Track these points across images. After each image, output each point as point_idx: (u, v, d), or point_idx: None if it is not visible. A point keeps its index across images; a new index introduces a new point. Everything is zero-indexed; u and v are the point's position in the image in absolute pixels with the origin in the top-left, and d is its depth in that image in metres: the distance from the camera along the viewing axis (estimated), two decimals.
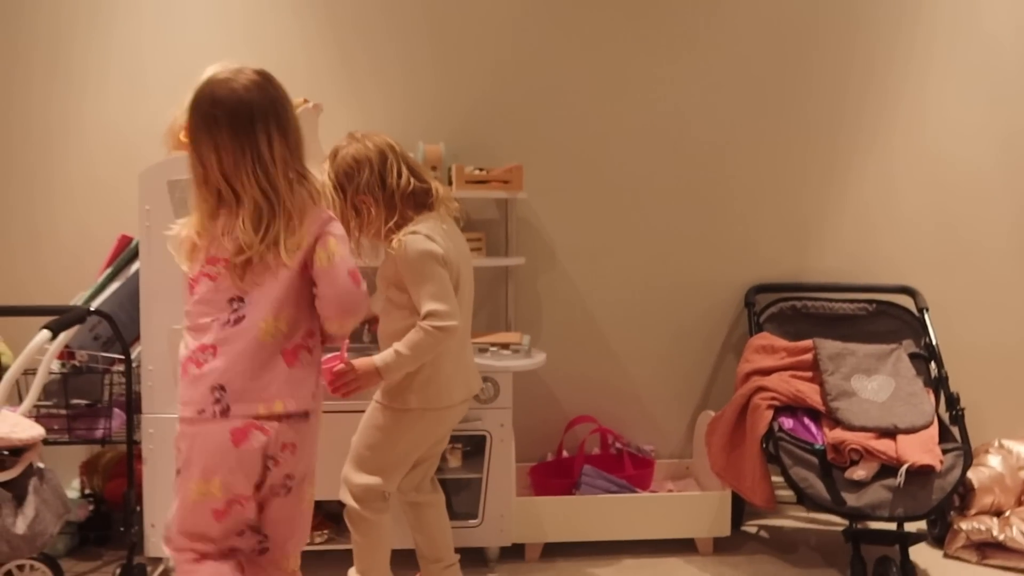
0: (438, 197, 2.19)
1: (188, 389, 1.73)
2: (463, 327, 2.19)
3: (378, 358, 2.07)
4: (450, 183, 2.69)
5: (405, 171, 2.15)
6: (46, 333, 2.00)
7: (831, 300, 2.94)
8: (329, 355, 2.11)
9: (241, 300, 1.72)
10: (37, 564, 2.25)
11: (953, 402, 2.66)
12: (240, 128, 1.68)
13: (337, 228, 1.80)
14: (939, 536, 2.73)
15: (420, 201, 2.16)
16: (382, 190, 2.11)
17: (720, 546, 2.70)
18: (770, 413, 2.53)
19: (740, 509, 2.82)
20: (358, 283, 1.78)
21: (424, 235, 2.09)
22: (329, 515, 2.65)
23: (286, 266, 1.72)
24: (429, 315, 2.05)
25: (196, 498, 1.72)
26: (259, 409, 1.71)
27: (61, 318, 2.03)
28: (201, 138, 1.70)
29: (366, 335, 2.74)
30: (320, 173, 2.12)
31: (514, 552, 2.63)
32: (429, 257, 2.07)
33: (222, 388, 1.70)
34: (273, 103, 1.72)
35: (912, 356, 2.74)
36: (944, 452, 2.39)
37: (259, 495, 1.77)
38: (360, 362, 2.07)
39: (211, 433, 1.70)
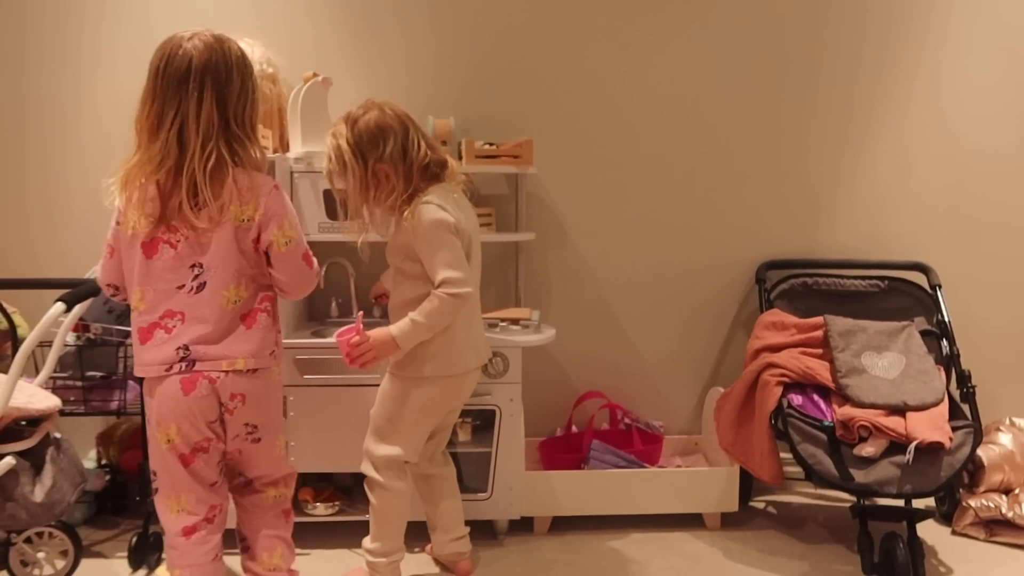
0: (451, 169, 2.22)
1: (152, 352, 1.83)
2: (475, 296, 2.21)
3: (393, 327, 2.10)
4: (460, 158, 2.69)
5: (423, 143, 2.17)
6: (60, 305, 2.03)
7: (843, 277, 2.92)
8: (344, 327, 2.13)
9: (200, 266, 1.83)
10: (56, 532, 2.30)
11: (964, 380, 2.65)
12: (173, 82, 1.76)
13: (287, 205, 1.89)
14: (947, 513, 2.73)
15: (433, 173, 2.18)
16: (403, 161, 2.13)
17: (728, 521, 2.72)
18: (779, 389, 2.53)
19: (748, 485, 2.83)
20: (311, 264, 1.95)
21: (436, 204, 2.12)
22: (340, 487, 2.69)
23: (238, 236, 1.83)
24: (444, 283, 2.09)
25: (164, 447, 1.87)
26: (222, 365, 1.84)
27: (75, 291, 2.05)
28: (147, 86, 1.80)
29: (376, 309, 2.76)
30: (331, 139, 2.14)
31: (523, 525, 2.65)
32: (442, 226, 2.10)
33: (186, 348, 1.82)
34: (215, 66, 1.78)
35: (924, 333, 2.72)
36: (954, 429, 2.39)
37: (229, 448, 1.92)
38: (375, 332, 2.11)
39: (166, 386, 1.83)
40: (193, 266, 1.82)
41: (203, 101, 1.77)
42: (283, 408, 2.13)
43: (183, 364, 1.82)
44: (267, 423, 1.96)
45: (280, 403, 2.03)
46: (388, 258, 2.24)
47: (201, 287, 1.82)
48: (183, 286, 1.82)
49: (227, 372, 1.84)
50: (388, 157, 2.11)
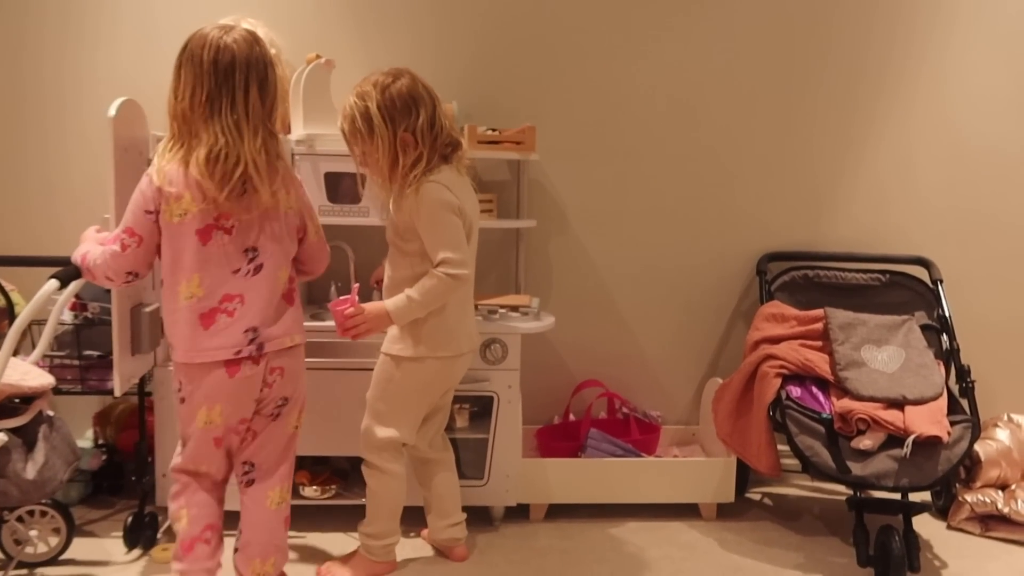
0: (462, 152, 2.21)
1: (217, 337, 1.91)
2: (470, 280, 2.21)
3: (389, 302, 2.11)
4: None
5: (447, 121, 2.17)
6: (54, 283, 2.01)
7: (844, 270, 2.91)
8: (340, 298, 2.13)
9: (256, 250, 1.95)
10: (48, 510, 2.29)
11: (963, 374, 2.64)
12: (221, 73, 1.85)
13: (307, 195, 2.09)
14: (943, 507, 2.73)
15: (446, 153, 2.17)
16: (430, 134, 2.11)
17: (724, 512, 2.72)
18: (778, 381, 2.52)
19: (745, 476, 2.83)
20: (327, 244, 2.15)
21: (443, 184, 2.11)
22: (337, 471, 2.68)
23: (285, 221, 1.99)
24: (443, 262, 2.09)
25: (202, 427, 1.97)
26: (285, 343, 1.98)
27: (69, 267, 2.03)
28: (188, 77, 1.86)
29: (376, 294, 2.75)
30: (357, 100, 2.12)
31: (519, 512, 2.65)
32: (446, 206, 2.10)
33: (255, 330, 1.93)
34: (257, 60, 1.89)
35: (924, 328, 2.72)
36: (952, 424, 2.38)
37: (252, 421, 2.01)
38: (371, 305, 2.12)
39: (209, 374, 1.92)
40: (247, 250, 1.93)
41: (249, 92, 1.87)
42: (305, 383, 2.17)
43: (253, 347, 1.93)
44: (295, 398, 2.06)
45: (305, 381, 2.12)
46: (388, 234, 2.23)
47: (258, 269, 1.94)
48: (239, 270, 1.92)
49: (276, 350, 1.96)
50: (419, 128, 2.09)
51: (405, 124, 2.09)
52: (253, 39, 1.90)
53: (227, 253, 1.91)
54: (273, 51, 2.63)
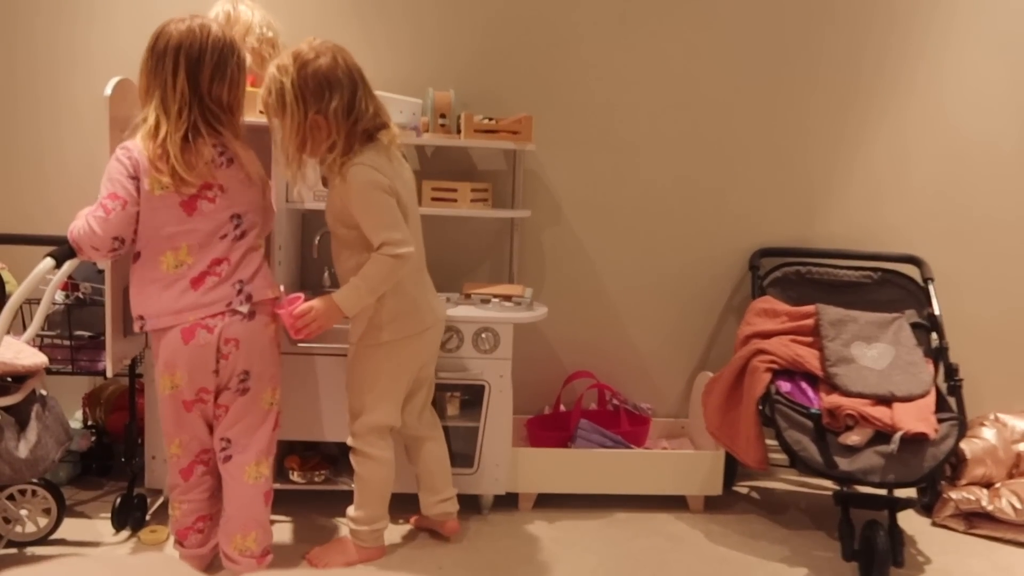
0: (390, 134, 2.13)
1: (204, 296, 1.99)
2: (418, 254, 2.19)
3: (336, 294, 2.09)
4: (458, 131, 2.67)
5: (371, 105, 2.09)
6: (49, 261, 2.01)
7: (836, 267, 2.93)
8: (287, 298, 2.11)
9: (240, 216, 2.04)
10: (39, 490, 2.29)
11: (952, 373, 2.66)
12: (191, 56, 1.96)
13: None
14: (928, 504, 2.75)
15: (368, 134, 2.10)
16: (346, 119, 2.04)
17: (711, 505, 2.74)
18: (768, 376, 2.54)
19: (732, 469, 2.84)
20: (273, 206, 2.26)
21: (368, 165, 2.06)
22: (326, 456, 2.69)
23: (262, 188, 2.11)
24: (384, 244, 2.05)
25: (168, 393, 2.03)
26: (267, 294, 2.06)
27: (64, 247, 2.03)
28: (163, 65, 1.97)
29: (328, 279, 2.76)
30: (275, 72, 2.07)
31: (508, 501, 2.66)
32: (375, 187, 2.05)
33: (241, 282, 2.02)
34: (220, 46, 1.99)
35: (914, 326, 2.73)
36: (940, 422, 2.40)
37: (219, 402, 2.06)
38: (318, 301, 2.08)
39: (170, 335, 1.98)
40: (233, 216, 2.03)
41: (215, 77, 2.00)
42: (279, 366, 2.16)
43: (242, 297, 2.01)
44: (260, 373, 2.07)
45: (275, 354, 2.13)
46: (329, 225, 2.19)
47: (243, 235, 2.04)
48: (225, 235, 2.01)
49: (222, 315, 1.99)
50: (331, 112, 2.02)
51: (317, 107, 2.02)
52: (199, 30, 1.99)
53: (214, 220, 2.00)
54: (270, 34, 2.65)
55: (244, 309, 2.02)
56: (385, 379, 2.22)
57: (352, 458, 2.27)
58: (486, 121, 2.67)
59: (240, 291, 2.02)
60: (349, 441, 2.27)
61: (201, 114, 1.97)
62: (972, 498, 2.64)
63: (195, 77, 1.95)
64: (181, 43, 1.94)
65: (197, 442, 2.09)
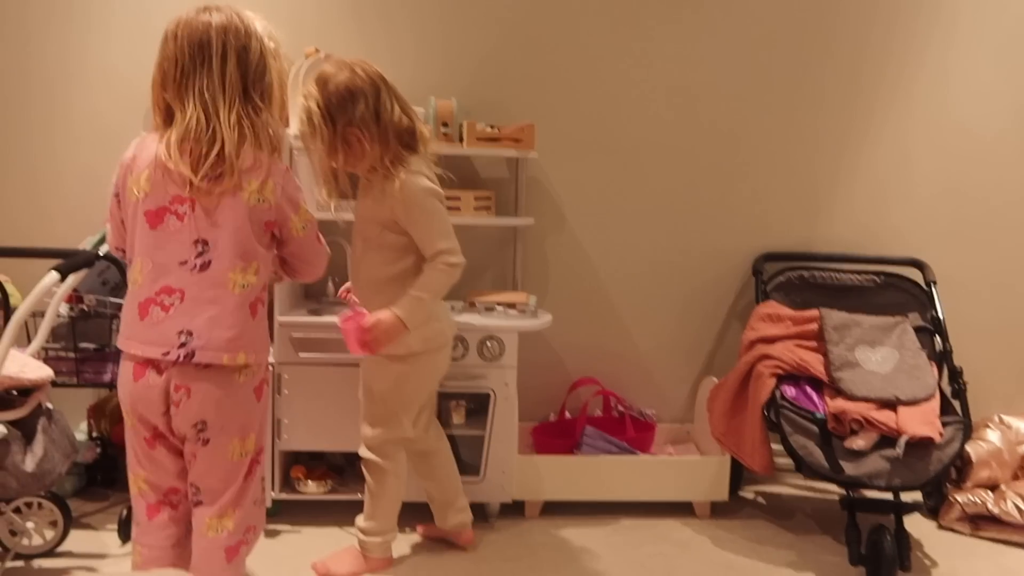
0: (423, 138, 2.15)
1: (148, 330, 1.70)
2: None
3: (397, 308, 2.05)
4: (461, 140, 2.68)
5: (397, 106, 2.10)
6: (54, 275, 2.01)
7: (839, 271, 2.93)
8: (345, 314, 2.09)
9: (206, 243, 1.70)
10: (45, 502, 2.29)
11: (956, 376, 2.66)
12: (196, 46, 1.68)
13: (300, 187, 1.82)
14: (934, 507, 2.75)
15: (407, 141, 2.11)
16: (376, 124, 2.06)
17: (717, 510, 2.74)
18: (773, 381, 2.54)
19: (739, 475, 2.84)
20: (323, 243, 1.91)
21: (423, 175, 2.08)
22: (332, 466, 2.69)
23: (253, 215, 1.71)
24: (441, 252, 2.07)
25: (129, 426, 1.78)
26: (223, 359, 1.69)
27: (70, 261, 2.04)
28: (161, 56, 1.71)
29: (332, 290, 2.76)
30: (302, 100, 2.08)
31: (514, 509, 2.66)
32: (431, 195, 2.08)
33: (189, 333, 1.68)
34: (236, 30, 1.71)
35: (918, 329, 2.74)
36: (944, 425, 2.40)
37: (184, 446, 1.76)
38: (380, 315, 2.04)
39: (123, 368, 1.74)
40: (197, 242, 1.69)
41: (227, 63, 1.69)
42: (261, 413, 1.83)
43: (182, 352, 1.67)
44: (222, 425, 1.74)
45: (245, 403, 1.78)
46: (359, 230, 2.17)
47: (205, 266, 1.70)
48: (185, 262, 1.69)
49: (176, 363, 1.68)
50: (360, 121, 2.04)
51: (345, 119, 2.03)
52: (233, 13, 1.73)
53: (177, 241, 1.69)
54: (271, 44, 2.64)
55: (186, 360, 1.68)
56: (409, 391, 2.22)
57: (365, 469, 2.26)
58: (488, 129, 2.68)
59: (183, 344, 1.68)
60: (363, 452, 2.26)
61: (252, 111, 1.71)
62: (978, 501, 2.64)
63: (242, 65, 1.70)
64: (227, 28, 1.69)
65: (165, 480, 1.80)
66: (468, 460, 2.58)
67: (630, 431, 2.84)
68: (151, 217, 1.70)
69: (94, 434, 2.77)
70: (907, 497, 2.44)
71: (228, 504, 1.79)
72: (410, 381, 2.21)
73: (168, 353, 1.68)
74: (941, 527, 2.70)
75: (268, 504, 2.43)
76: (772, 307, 2.82)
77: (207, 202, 1.68)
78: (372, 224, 2.14)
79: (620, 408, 2.94)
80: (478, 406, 2.60)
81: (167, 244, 1.70)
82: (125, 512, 2.40)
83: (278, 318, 2.48)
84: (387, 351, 2.13)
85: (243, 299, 1.72)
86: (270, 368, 1.87)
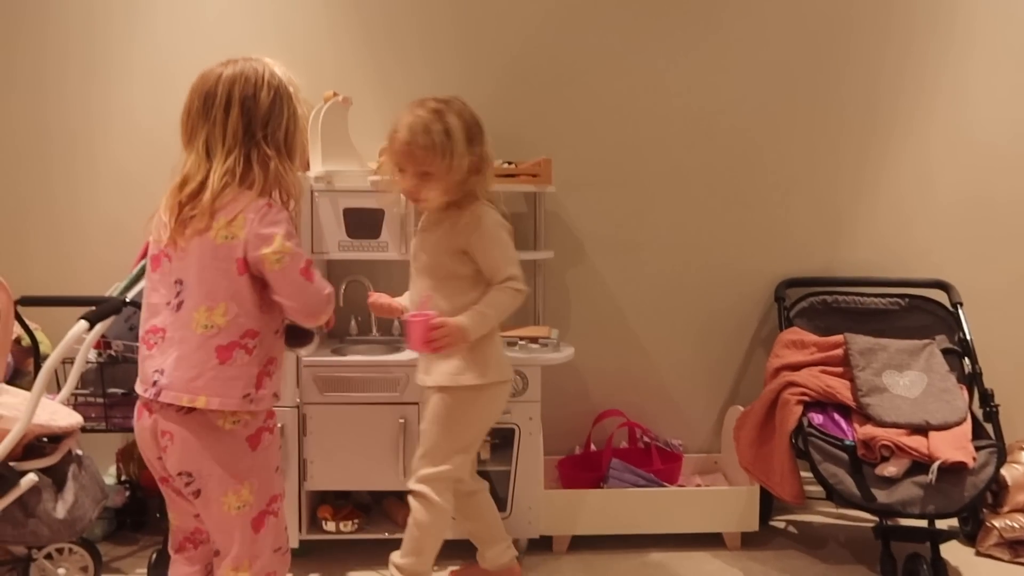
0: (491, 175, 2.23)
1: (141, 369, 1.74)
2: None
3: (462, 318, 2.08)
4: None
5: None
6: (83, 323, 2.05)
7: (863, 294, 2.91)
8: (415, 312, 2.09)
9: (181, 283, 1.70)
10: (76, 548, 2.30)
11: (987, 399, 2.62)
12: (202, 98, 1.71)
13: (281, 221, 1.69)
14: (971, 534, 2.69)
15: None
16: (487, 161, 2.15)
17: (748, 541, 2.70)
18: (800, 408, 2.51)
19: (768, 504, 2.80)
20: (311, 279, 1.73)
21: (493, 208, 2.18)
22: (358, 505, 2.68)
23: (217, 253, 1.68)
24: (510, 278, 2.14)
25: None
26: (183, 400, 1.66)
27: (98, 309, 2.07)
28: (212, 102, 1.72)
29: (355, 327, 2.79)
30: (433, 115, 2.07)
31: (542, 544, 2.64)
32: (502, 227, 2.17)
33: (161, 371, 1.69)
34: (246, 79, 1.71)
35: (945, 352, 2.70)
36: (977, 449, 2.36)
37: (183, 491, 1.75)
38: (448, 319, 2.06)
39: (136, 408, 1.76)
40: (176, 281, 1.71)
41: (230, 111, 1.70)
42: (261, 462, 1.75)
43: (153, 390, 1.68)
44: (207, 474, 1.69)
45: (242, 454, 1.72)
46: (426, 264, 2.17)
47: (180, 306, 1.70)
48: (169, 302, 1.71)
49: (156, 401, 1.68)
50: (484, 152, 2.12)
51: (477, 148, 2.11)
52: (249, 64, 1.74)
53: (164, 283, 1.72)
54: (291, 89, 2.70)
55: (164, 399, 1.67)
56: (478, 426, 2.21)
57: (415, 502, 2.18)
58: (505, 165, 2.70)
59: (155, 382, 1.68)
60: (415, 485, 2.18)
61: (255, 157, 1.71)
62: (1016, 526, 2.59)
63: (247, 112, 1.70)
64: (236, 76, 1.71)
65: (187, 521, 1.83)
66: (495, 496, 2.57)
67: (657, 462, 2.81)
68: (153, 261, 1.77)
69: (123, 478, 2.79)
70: (943, 524, 2.39)
71: (241, 557, 1.74)
72: (483, 415, 2.20)
73: (147, 390, 1.70)
74: (979, 554, 2.64)
75: (295, 545, 2.43)
76: (796, 333, 2.80)
77: (182, 242, 1.69)
78: (443, 255, 2.15)
79: (646, 439, 2.91)
80: (503, 441, 2.59)
81: (160, 286, 1.74)
82: (154, 556, 2.41)
83: (302, 359, 2.50)
84: (466, 380, 2.13)
85: (205, 340, 1.67)
86: (273, 416, 1.79)
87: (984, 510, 2.68)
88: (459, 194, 2.13)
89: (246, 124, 1.70)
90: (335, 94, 2.63)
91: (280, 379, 1.80)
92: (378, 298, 2.30)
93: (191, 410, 1.67)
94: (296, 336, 1.85)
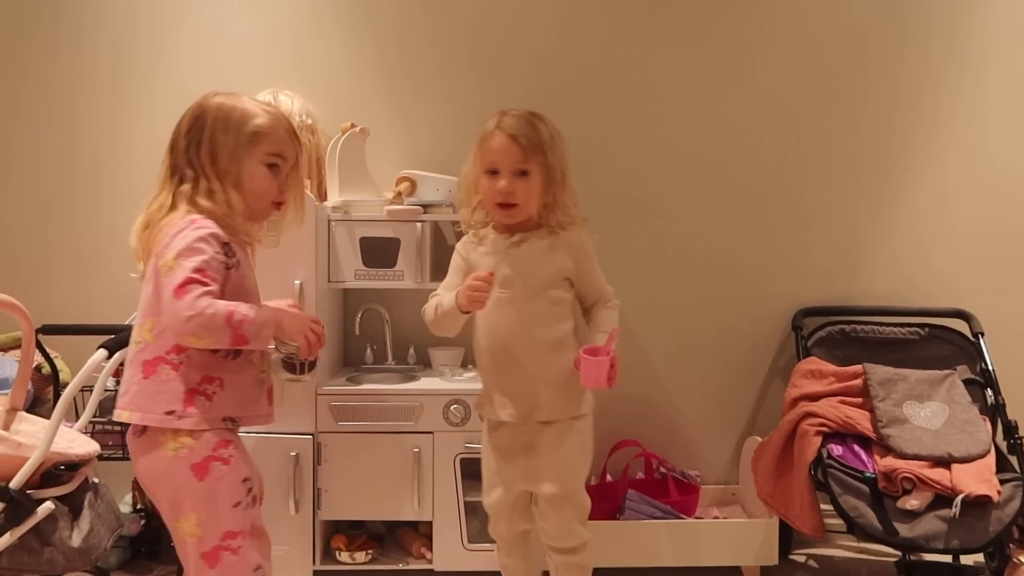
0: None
1: None
2: None
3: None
4: None
5: None
6: (103, 352, 2.06)
7: (881, 324, 2.88)
8: (590, 346, 1.98)
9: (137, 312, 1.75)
10: None
11: (1011, 430, 2.57)
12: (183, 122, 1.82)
13: (189, 237, 1.64)
14: (997, 570, 2.62)
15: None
16: (568, 175, 2.10)
17: (768, 575, 2.65)
18: (819, 439, 2.48)
19: (788, 537, 2.76)
20: (181, 296, 1.58)
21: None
22: (372, 535, 2.67)
23: (150, 270, 1.70)
24: (612, 295, 2.14)
25: None
26: (121, 416, 1.70)
27: (117, 337, 2.08)
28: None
29: (370, 356, 2.78)
30: (536, 119, 2.06)
31: None
32: (594, 247, 2.12)
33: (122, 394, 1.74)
34: (204, 111, 1.81)
35: (967, 382, 2.66)
36: (1002, 482, 2.32)
37: None
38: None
39: None
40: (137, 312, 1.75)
41: (201, 146, 1.80)
42: (208, 494, 1.67)
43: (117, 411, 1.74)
44: (159, 498, 1.71)
45: (185, 481, 1.66)
46: (517, 291, 2.02)
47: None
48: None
49: (130, 429, 1.71)
50: (567, 167, 2.07)
51: (566, 159, 2.06)
52: (217, 95, 1.84)
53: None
54: (309, 121, 2.74)
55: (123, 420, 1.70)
56: (591, 453, 2.13)
57: (578, 559, 2.09)
58: None
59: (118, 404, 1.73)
60: (575, 543, 2.08)
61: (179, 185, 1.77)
62: None
63: (200, 140, 1.80)
64: (200, 111, 1.85)
65: None
66: None
67: (674, 494, 2.78)
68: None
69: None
70: (968, 559, 2.34)
71: None
72: (591, 441, 2.14)
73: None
74: None
75: None
76: (814, 363, 2.77)
77: (144, 265, 1.75)
78: (538, 280, 2.03)
79: (663, 470, 2.88)
80: None
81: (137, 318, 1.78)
82: None
83: (319, 388, 2.50)
84: (588, 403, 2.11)
85: (135, 355, 1.71)
86: (228, 445, 1.69)
87: (1011, 545, 2.62)
88: (548, 201, 2.03)
89: (172, 149, 1.83)
90: (353, 125, 2.67)
91: (238, 404, 1.72)
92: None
93: (144, 431, 1.68)
94: (287, 366, 1.84)
